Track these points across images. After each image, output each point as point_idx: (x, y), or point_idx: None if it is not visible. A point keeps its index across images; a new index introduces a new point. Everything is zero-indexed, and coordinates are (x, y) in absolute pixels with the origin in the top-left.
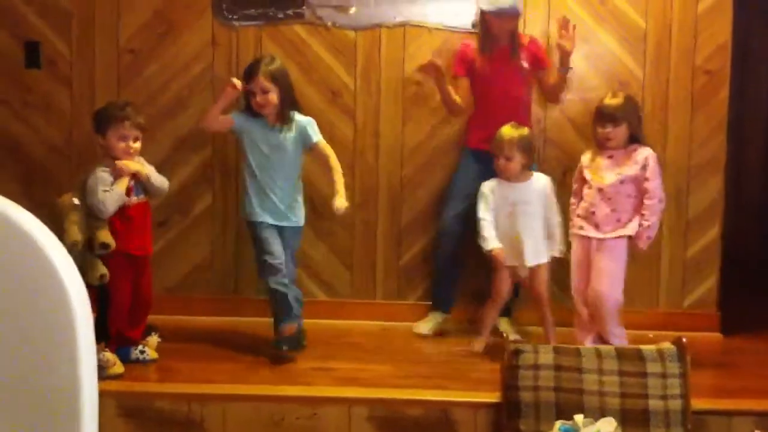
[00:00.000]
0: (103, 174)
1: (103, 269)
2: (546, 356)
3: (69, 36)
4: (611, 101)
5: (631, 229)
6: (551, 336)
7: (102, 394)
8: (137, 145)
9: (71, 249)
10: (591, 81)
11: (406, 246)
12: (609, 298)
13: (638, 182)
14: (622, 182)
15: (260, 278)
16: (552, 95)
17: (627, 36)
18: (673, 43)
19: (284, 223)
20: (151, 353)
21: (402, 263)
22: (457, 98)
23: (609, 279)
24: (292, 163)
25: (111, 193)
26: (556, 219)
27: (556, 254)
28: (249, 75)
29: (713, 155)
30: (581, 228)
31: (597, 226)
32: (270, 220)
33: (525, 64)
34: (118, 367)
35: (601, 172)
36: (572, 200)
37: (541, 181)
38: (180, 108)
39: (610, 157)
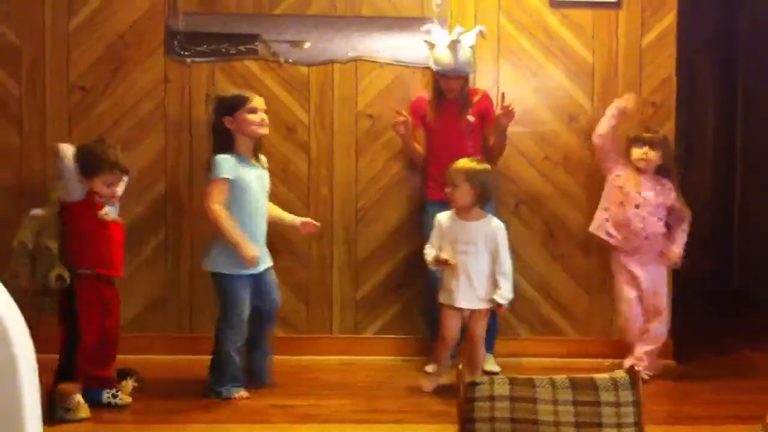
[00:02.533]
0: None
1: (62, 270)
2: (501, 388)
3: (19, 74)
4: (650, 129)
5: (673, 255)
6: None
7: None
8: (120, 189)
9: (19, 249)
10: (541, 114)
11: (362, 279)
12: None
13: (668, 209)
14: (658, 205)
15: (219, 336)
16: (491, 155)
17: (575, 70)
18: (620, 77)
19: (262, 267)
20: (124, 398)
21: (359, 297)
22: (418, 148)
23: (665, 289)
24: (265, 199)
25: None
26: (505, 267)
27: (499, 300)
28: (246, 98)
29: None
30: (609, 235)
31: (627, 239)
32: (248, 270)
33: (471, 118)
34: (85, 411)
35: (638, 188)
36: (603, 214)
37: (491, 225)
38: (132, 145)
39: (645, 177)
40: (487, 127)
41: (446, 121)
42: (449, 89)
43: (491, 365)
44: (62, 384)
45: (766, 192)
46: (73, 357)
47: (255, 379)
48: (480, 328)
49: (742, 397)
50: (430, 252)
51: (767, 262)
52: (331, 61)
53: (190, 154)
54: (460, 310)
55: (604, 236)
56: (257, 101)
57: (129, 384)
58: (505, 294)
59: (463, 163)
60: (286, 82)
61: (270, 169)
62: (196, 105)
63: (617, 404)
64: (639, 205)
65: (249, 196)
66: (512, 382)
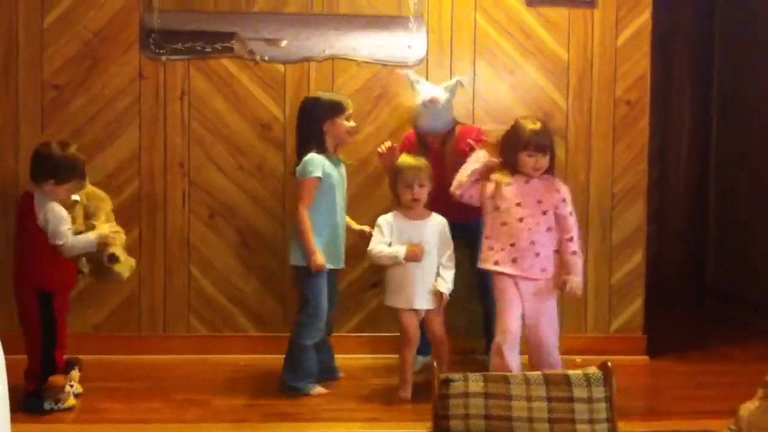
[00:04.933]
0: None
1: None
2: (475, 384)
3: None
4: (538, 127)
5: (573, 284)
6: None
7: None
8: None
9: None
10: (517, 111)
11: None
12: (556, 338)
13: (555, 216)
14: (544, 213)
15: (299, 329)
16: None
17: (551, 68)
18: (595, 75)
19: (339, 266)
20: (77, 387)
21: None
22: None
23: (554, 321)
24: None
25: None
26: (450, 263)
27: (442, 289)
28: (345, 107)
29: (636, 182)
30: (496, 263)
31: (515, 261)
32: (330, 265)
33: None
34: (71, 401)
35: (518, 198)
36: (487, 243)
37: (438, 221)
38: (107, 142)
39: (527, 182)
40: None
41: (433, 161)
42: (429, 144)
43: None
44: (53, 377)
45: (740, 188)
46: (52, 355)
47: (326, 376)
48: (440, 325)
49: (715, 392)
50: (397, 249)
51: (741, 257)
52: (308, 59)
53: (165, 152)
54: (417, 311)
55: (492, 267)
56: (351, 108)
57: (77, 373)
58: (448, 283)
59: (425, 163)
60: (262, 80)
61: (244, 167)
62: (171, 102)
63: (590, 400)
64: (523, 218)
65: (336, 192)
66: (486, 378)
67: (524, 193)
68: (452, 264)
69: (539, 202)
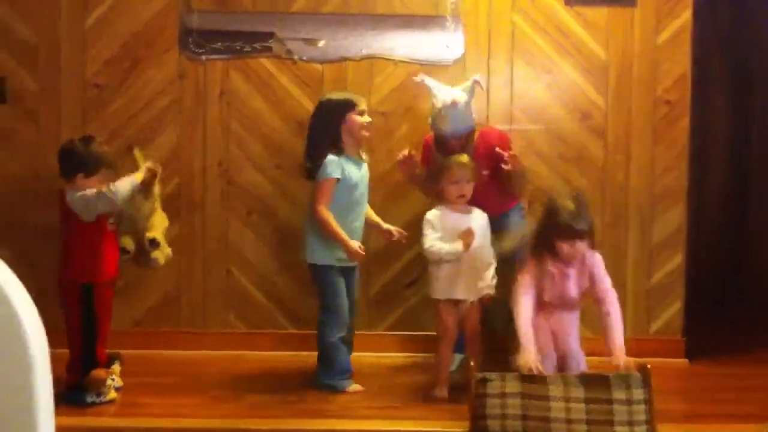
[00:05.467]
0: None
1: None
2: (513, 384)
3: (35, 70)
4: (573, 208)
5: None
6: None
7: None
8: None
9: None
10: (554, 112)
11: (374, 276)
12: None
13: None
14: (583, 292)
15: (322, 328)
16: (509, 188)
17: (589, 67)
18: (634, 74)
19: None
20: (118, 380)
21: (371, 294)
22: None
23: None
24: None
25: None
26: (491, 259)
27: (491, 291)
28: (356, 103)
29: (676, 183)
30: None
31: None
32: (349, 263)
33: (485, 172)
34: (113, 393)
35: (559, 297)
36: (523, 295)
37: (482, 216)
38: (147, 141)
39: (566, 277)
40: (499, 162)
41: None
42: (450, 149)
43: None
44: (95, 371)
45: None
46: (93, 349)
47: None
48: (476, 320)
49: (754, 396)
50: (455, 244)
51: None
52: (345, 59)
53: (204, 151)
54: (457, 305)
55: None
56: (363, 104)
57: (118, 367)
58: (491, 285)
59: (466, 158)
60: (300, 79)
61: (282, 166)
62: (211, 102)
63: (629, 402)
64: (563, 308)
65: (355, 192)
66: (524, 378)
67: (563, 291)
68: (493, 261)
69: (578, 292)
